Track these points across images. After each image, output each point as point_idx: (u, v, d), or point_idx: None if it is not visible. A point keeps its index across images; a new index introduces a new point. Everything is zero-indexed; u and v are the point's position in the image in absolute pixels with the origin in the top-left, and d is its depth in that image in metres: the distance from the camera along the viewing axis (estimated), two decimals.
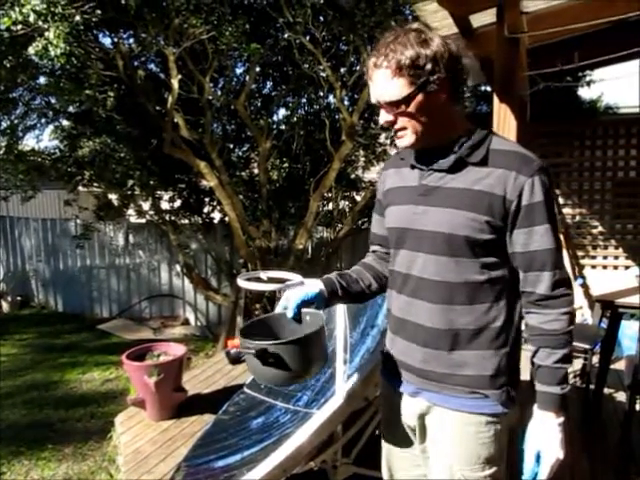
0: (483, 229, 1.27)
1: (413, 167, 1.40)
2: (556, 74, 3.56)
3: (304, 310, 1.41)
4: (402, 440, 1.53)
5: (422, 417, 1.43)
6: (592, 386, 3.36)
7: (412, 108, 1.26)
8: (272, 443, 2.12)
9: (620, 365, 4.03)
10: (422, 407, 1.42)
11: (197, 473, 2.42)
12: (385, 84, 1.25)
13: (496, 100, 2.69)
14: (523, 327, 1.39)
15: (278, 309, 1.42)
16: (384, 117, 1.31)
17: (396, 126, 1.31)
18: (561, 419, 1.29)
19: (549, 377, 1.29)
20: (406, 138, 1.31)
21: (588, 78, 6.62)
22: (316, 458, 2.15)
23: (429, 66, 1.22)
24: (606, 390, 3.46)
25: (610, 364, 3.43)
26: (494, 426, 1.35)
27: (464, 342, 1.33)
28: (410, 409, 1.45)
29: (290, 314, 1.39)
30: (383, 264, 1.57)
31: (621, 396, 3.50)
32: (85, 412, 4.57)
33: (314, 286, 1.44)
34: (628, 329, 3.96)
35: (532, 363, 1.34)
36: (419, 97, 1.25)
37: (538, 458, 1.28)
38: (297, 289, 1.42)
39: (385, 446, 1.60)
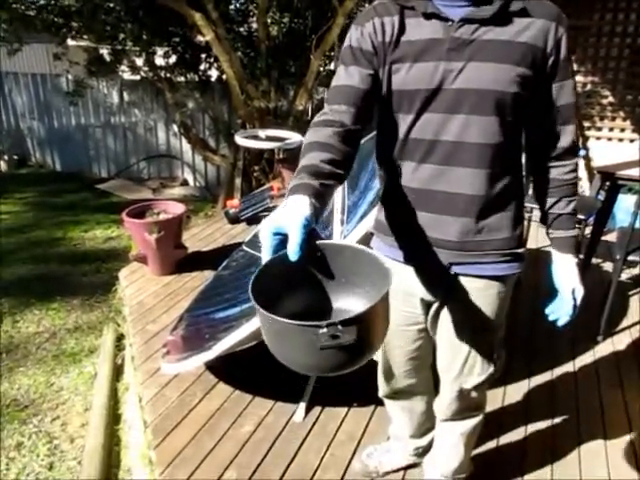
0: (526, 85, 1.20)
1: (430, 17, 1.20)
2: None
3: (320, 243, 0.97)
4: (406, 318, 1.51)
5: (448, 290, 1.40)
6: (581, 256, 3.46)
7: None
8: None
9: (611, 237, 4.11)
10: (451, 280, 1.38)
11: (198, 323, 2.56)
12: None
13: None
14: None
15: (267, 252, 0.92)
16: None
17: None
18: (576, 259, 1.38)
19: (568, 223, 1.37)
20: None
21: None
22: None
23: None
24: (594, 260, 3.57)
25: (602, 235, 3.50)
26: (511, 285, 1.44)
27: (502, 205, 1.32)
28: (436, 284, 1.41)
29: (296, 257, 0.88)
30: (342, 140, 1.17)
31: (608, 266, 3.62)
32: (90, 268, 4.74)
33: (302, 204, 0.95)
34: (624, 202, 3.98)
35: (547, 214, 1.39)
36: None
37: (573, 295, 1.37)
38: (286, 214, 0.93)
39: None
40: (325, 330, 0.79)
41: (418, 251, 1.37)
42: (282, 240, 0.91)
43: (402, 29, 1.23)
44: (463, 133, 1.23)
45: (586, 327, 2.82)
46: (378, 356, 1.67)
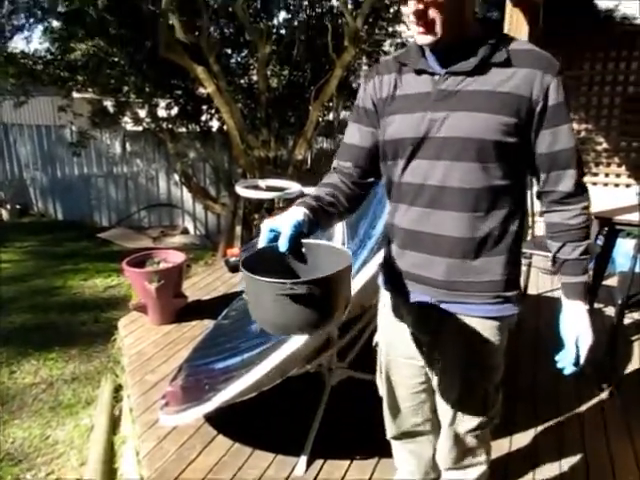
0: (511, 132, 1.25)
1: (420, 72, 1.30)
2: None
3: (304, 241, 1.20)
4: (406, 351, 1.54)
5: (438, 328, 1.43)
6: None
7: None
8: (270, 346, 2.19)
9: (612, 282, 4.10)
10: (440, 318, 1.41)
11: (198, 374, 2.52)
12: None
13: (509, 4, 2.56)
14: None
15: (263, 242, 1.17)
16: (414, 6, 1.19)
17: (425, 18, 1.20)
18: (587, 306, 1.35)
19: (576, 269, 1.34)
20: (431, 34, 1.22)
21: None
22: (313, 361, 2.23)
23: None
24: (596, 305, 3.55)
25: (603, 280, 3.49)
26: (505, 329, 1.43)
27: (488, 248, 1.34)
28: (425, 321, 1.45)
29: (284, 248, 1.14)
30: (349, 187, 1.41)
31: (610, 311, 3.60)
32: (89, 316, 4.71)
33: (297, 212, 1.21)
34: (623, 247, 4.00)
35: (554, 259, 1.38)
36: None
37: (577, 344, 1.34)
38: (282, 216, 1.19)
39: (384, 359, 1.62)
40: (288, 286, 1.03)
41: (409, 287, 1.43)
42: (276, 236, 1.15)
43: (398, 85, 1.34)
44: (446, 178, 1.30)
45: (591, 373, 2.78)
46: (383, 392, 1.67)
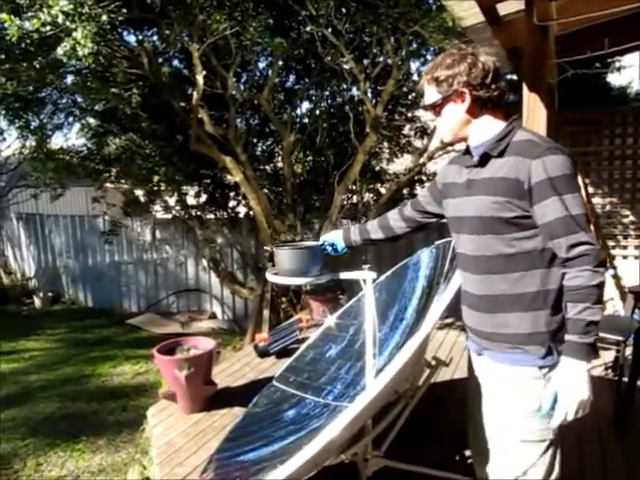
0: (506, 208, 1.51)
1: (467, 167, 1.67)
2: (585, 61, 3.49)
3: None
4: (476, 390, 1.78)
5: (482, 370, 1.71)
6: (625, 379, 3.30)
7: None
8: (303, 436, 2.14)
9: None
10: (482, 362, 1.70)
11: (228, 465, 2.45)
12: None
13: (525, 89, 2.65)
14: None
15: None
16: None
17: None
18: (582, 365, 1.44)
19: (572, 327, 1.46)
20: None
21: (617, 64, 6.46)
22: (347, 451, 2.16)
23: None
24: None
25: None
26: (536, 379, 1.55)
27: (504, 305, 1.57)
28: (476, 364, 1.76)
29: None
30: (401, 222, 1.99)
31: None
32: (117, 405, 4.67)
33: (336, 235, 2.14)
34: None
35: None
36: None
37: (556, 399, 1.48)
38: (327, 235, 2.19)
39: (469, 398, 1.87)
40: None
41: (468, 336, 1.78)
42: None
43: (455, 175, 1.79)
44: (464, 248, 1.68)
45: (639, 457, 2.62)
46: None
